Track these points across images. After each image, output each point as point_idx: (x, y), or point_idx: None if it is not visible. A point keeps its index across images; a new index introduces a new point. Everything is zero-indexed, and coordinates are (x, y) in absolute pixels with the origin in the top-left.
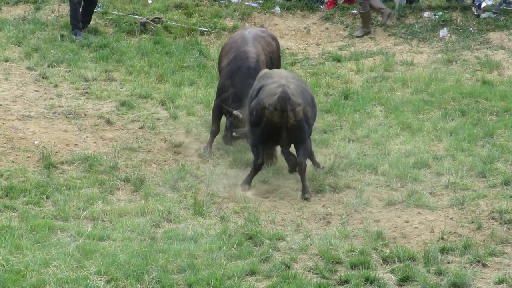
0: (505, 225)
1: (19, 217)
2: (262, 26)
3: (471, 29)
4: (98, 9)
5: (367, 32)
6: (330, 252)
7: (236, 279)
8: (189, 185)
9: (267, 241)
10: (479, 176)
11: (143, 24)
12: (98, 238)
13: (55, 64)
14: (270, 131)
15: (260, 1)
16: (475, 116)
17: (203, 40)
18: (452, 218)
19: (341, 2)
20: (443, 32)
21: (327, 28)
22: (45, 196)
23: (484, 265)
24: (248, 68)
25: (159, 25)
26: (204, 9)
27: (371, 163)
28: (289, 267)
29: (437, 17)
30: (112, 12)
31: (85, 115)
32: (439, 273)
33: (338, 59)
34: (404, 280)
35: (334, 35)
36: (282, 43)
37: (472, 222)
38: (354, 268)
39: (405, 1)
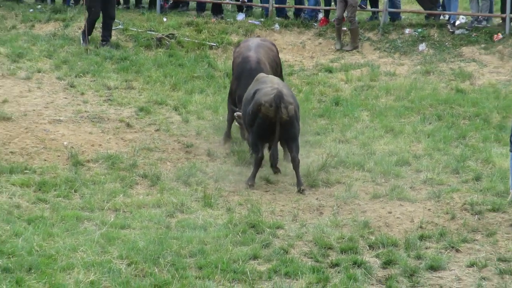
0: (476, 216)
1: (51, 209)
2: (258, 36)
3: (446, 44)
4: (119, 26)
5: (355, 46)
6: (322, 239)
7: (240, 263)
8: (199, 181)
9: (268, 229)
10: (453, 173)
11: (159, 40)
12: (120, 227)
13: (82, 75)
14: (265, 126)
15: (262, 19)
16: (450, 120)
17: (212, 54)
18: (429, 209)
19: (333, 20)
20: (422, 46)
21: (320, 43)
22: (73, 190)
23: (457, 251)
24: (250, 70)
25: (173, 40)
26: (212, 26)
27: (358, 161)
28: (287, 252)
29: (416, 33)
30: (132, 29)
31: (108, 119)
32: (418, 257)
33: (330, 70)
34: (387, 263)
35: (326, 49)
36: (280, 56)
37: (447, 213)
38: (343, 253)
39: (388, 19)
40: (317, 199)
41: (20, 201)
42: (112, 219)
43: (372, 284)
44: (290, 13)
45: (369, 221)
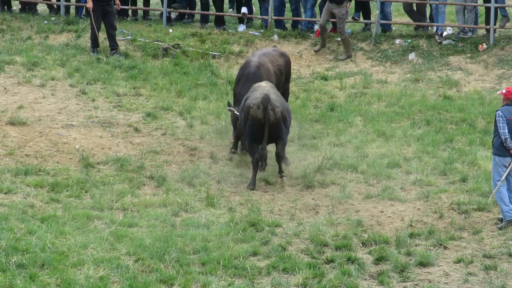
0: (463, 215)
1: (63, 208)
2: (275, 46)
3: (434, 53)
4: (128, 37)
5: (349, 56)
6: (318, 237)
7: (241, 259)
8: (203, 182)
9: (267, 228)
10: (441, 174)
11: (165, 49)
12: (128, 225)
13: (93, 82)
14: (255, 127)
15: (261, 31)
16: (438, 125)
17: (214, 63)
18: (419, 209)
19: (328, 31)
20: (412, 56)
21: (316, 53)
22: (84, 191)
23: (445, 248)
24: (248, 73)
25: (178, 50)
26: (215, 37)
27: (352, 163)
28: (285, 249)
29: (406, 43)
30: (140, 39)
31: (117, 124)
32: (408, 254)
33: (325, 78)
34: (379, 259)
35: (322, 59)
36: None
37: (435, 212)
38: (338, 250)
39: (380, 30)
40: (313, 199)
41: (34, 201)
42: (120, 218)
43: (365, 279)
44: (288, 25)
45: (362, 220)
